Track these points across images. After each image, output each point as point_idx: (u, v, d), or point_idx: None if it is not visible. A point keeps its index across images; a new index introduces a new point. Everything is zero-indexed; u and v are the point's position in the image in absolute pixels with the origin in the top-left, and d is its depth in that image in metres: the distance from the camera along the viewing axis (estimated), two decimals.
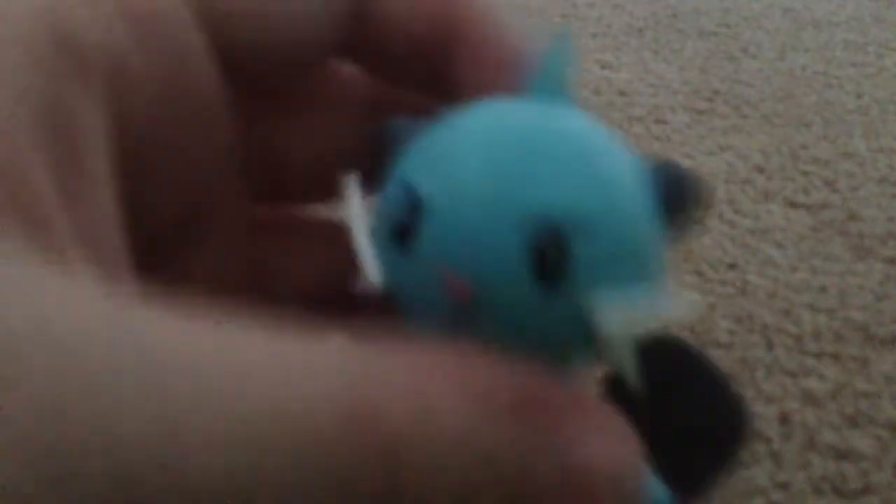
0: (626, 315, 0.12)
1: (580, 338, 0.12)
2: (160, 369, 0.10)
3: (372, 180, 0.14)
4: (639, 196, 0.13)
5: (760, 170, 0.50)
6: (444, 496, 0.10)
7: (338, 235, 0.18)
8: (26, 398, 0.09)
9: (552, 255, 0.12)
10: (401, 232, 0.12)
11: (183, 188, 0.15)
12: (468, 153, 0.12)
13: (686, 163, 0.51)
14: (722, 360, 0.36)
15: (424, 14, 0.16)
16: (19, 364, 0.09)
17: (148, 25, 0.13)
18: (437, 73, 0.16)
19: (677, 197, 0.13)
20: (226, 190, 0.16)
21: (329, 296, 0.18)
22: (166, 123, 0.14)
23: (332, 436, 0.10)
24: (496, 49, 0.15)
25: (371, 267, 0.13)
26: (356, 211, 0.14)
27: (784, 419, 0.33)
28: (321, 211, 0.19)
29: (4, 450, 0.09)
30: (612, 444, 0.11)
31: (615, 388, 0.14)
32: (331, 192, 0.16)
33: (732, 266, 0.42)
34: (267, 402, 0.10)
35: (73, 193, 0.12)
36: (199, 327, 0.11)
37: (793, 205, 0.47)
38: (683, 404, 0.15)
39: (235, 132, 0.16)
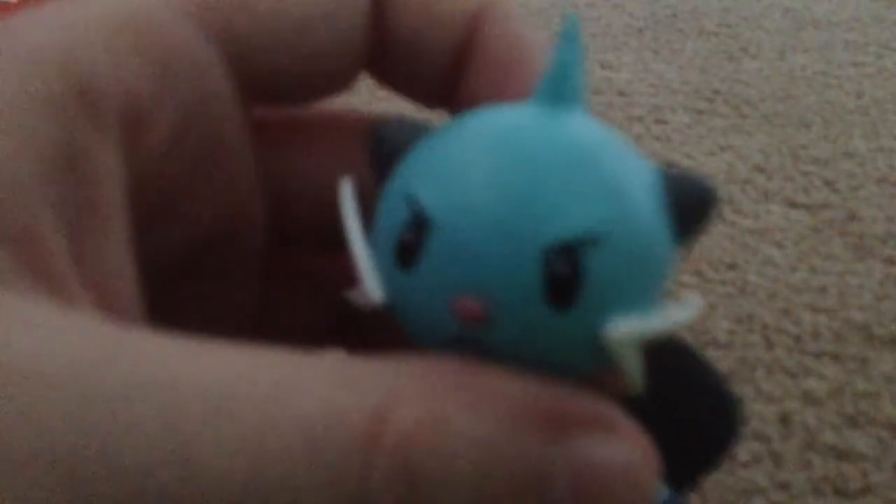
0: (637, 329, 0.12)
1: (591, 354, 0.12)
2: (171, 389, 0.10)
3: (368, 185, 0.14)
4: (652, 208, 0.12)
5: (760, 170, 0.50)
6: None
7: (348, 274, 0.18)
8: (46, 428, 0.10)
9: (565, 276, 0.11)
10: (406, 250, 0.12)
11: (195, 224, 0.15)
12: (476, 165, 0.12)
13: (686, 163, 0.51)
14: (722, 360, 0.36)
15: (443, 28, 0.16)
16: (37, 399, 0.10)
17: (165, 63, 0.13)
18: (454, 88, 0.16)
19: (690, 207, 0.12)
20: (241, 224, 0.16)
21: (339, 334, 0.18)
22: (182, 161, 0.14)
23: (349, 452, 0.10)
24: (517, 66, 0.15)
25: (370, 279, 0.13)
26: (351, 218, 0.13)
27: (784, 419, 0.33)
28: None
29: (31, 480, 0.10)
30: (625, 449, 0.11)
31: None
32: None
33: (732, 266, 0.42)
34: (282, 419, 0.10)
35: (85, 243, 0.12)
36: (209, 349, 0.11)
37: (793, 205, 0.47)
38: (676, 400, 0.15)
39: (253, 166, 0.16)
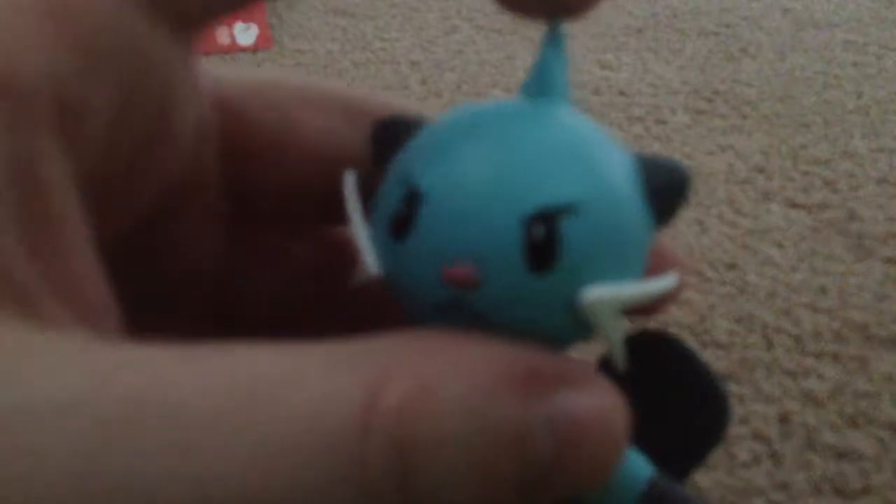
0: (611, 294, 0.12)
1: (572, 320, 0.13)
2: (172, 406, 0.10)
3: (370, 177, 0.14)
4: (627, 185, 0.13)
5: (760, 170, 0.50)
6: (456, 478, 0.11)
7: (319, 237, 0.18)
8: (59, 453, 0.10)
9: (543, 240, 0.12)
10: (399, 222, 0.13)
11: (148, 194, 0.15)
12: (465, 146, 0.13)
13: (686, 163, 0.51)
14: (722, 360, 0.36)
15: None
16: (37, 431, 0.10)
17: (93, 45, 0.13)
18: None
19: (665, 188, 0.13)
20: (196, 185, 0.16)
21: (308, 296, 0.18)
22: (127, 139, 0.14)
23: (348, 428, 0.10)
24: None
25: (370, 260, 0.13)
26: (354, 206, 0.14)
27: (784, 419, 0.33)
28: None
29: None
30: (597, 399, 0.12)
31: (604, 372, 0.15)
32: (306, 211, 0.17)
33: (732, 266, 0.42)
34: (285, 417, 0.10)
35: (46, 252, 0.12)
36: (202, 358, 0.11)
37: (793, 205, 0.47)
38: (668, 392, 0.16)
39: (205, 125, 0.16)
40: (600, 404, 0.12)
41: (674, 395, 0.16)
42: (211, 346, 0.11)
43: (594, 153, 0.13)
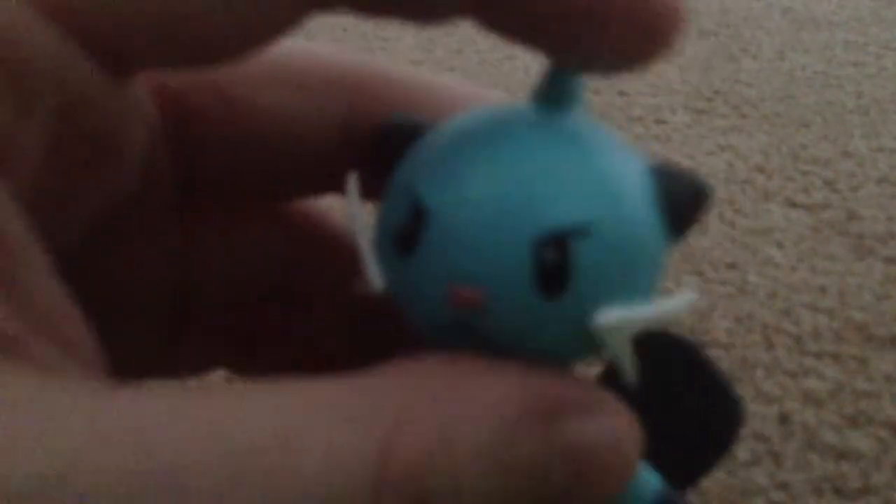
0: (626, 319, 0.12)
1: (582, 342, 0.12)
2: (171, 457, 0.10)
3: (373, 179, 0.14)
4: (643, 203, 0.12)
5: (760, 170, 0.50)
6: None
7: (276, 224, 0.18)
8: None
9: (555, 264, 0.12)
10: (404, 238, 0.12)
11: (92, 206, 0.14)
12: (472, 159, 0.12)
13: (686, 163, 0.51)
14: (722, 360, 0.36)
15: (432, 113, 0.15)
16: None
17: (23, 77, 0.12)
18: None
19: (683, 203, 0.13)
20: (145, 189, 0.16)
21: (272, 291, 0.18)
22: (65, 161, 0.13)
23: (360, 491, 0.10)
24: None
25: (373, 270, 0.13)
26: (356, 212, 0.13)
27: (784, 419, 0.33)
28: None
29: None
30: (611, 425, 0.12)
31: (611, 382, 0.14)
32: (266, 188, 0.16)
33: (732, 266, 0.42)
34: (290, 476, 0.10)
35: (12, 288, 0.11)
36: (197, 405, 0.11)
37: (793, 205, 0.47)
38: (679, 397, 0.16)
39: (152, 131, 0.15)
40: (613, 428, 0.12)
41: (684, 401, 0.15)
42: (205, 393, 0.11)
43: (608, 167, 0.12)
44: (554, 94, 0.13)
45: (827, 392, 0.35)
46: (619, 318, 0.12)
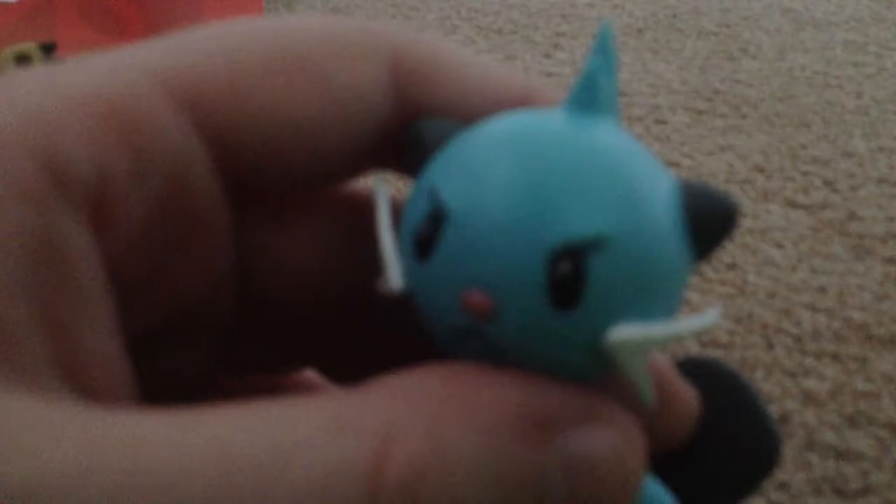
0: (640, 336, 0.12)
1: (594, 358, 0.12)
2: (168, 476, 0.10)
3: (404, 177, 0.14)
4: (666, 219, 0.12)
5: (760, 170, 0.50)
6: None
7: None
8: None
9: (568, 276, 0.11)
10: (423, 240, 0.12)
11: (172, 300, 0.15)
12: (495, 164, 0.12)
13: (686, 163, 0.51)
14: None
15: (482, 103, 0.15)
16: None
17: (141, 147, 0.13)
18: None
19: (708, 222, 0.12)
20: (212, 305, 0.16)
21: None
22: (158, 244, 0.13)
23: (356, 498, 0.10)
24: None
25: (394, 272, 0.13)
26: (383, 214, 0.13)
27: (784, 419, 0.33)
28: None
29: None
30: (611, 436, 0.11)
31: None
32: (320, 296, 0.16)
33: (732, 266, 0.42)
34: (286, 487, 0.10)
35: (64, 331, 0.11)
36: (192, 423, 0.11)
37: (793, 205, 0.47)
38: (718, 424, 0.15)
39: (231, 249, 0.15)
40: (615, 439, 0.11)
41: (722, 427, 0.15)
42: (202, 410, 0.11)
43: (633, 181, 0.12)
44: (587, 101, 0.13)
45: (827, 392, 0.35)
46: (632, 334, 0.11)
